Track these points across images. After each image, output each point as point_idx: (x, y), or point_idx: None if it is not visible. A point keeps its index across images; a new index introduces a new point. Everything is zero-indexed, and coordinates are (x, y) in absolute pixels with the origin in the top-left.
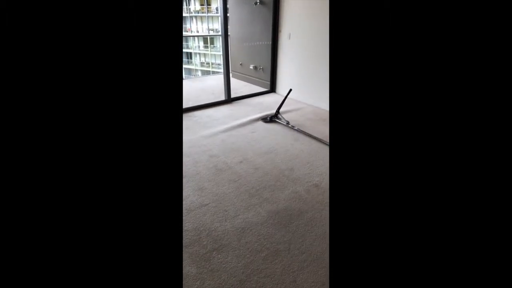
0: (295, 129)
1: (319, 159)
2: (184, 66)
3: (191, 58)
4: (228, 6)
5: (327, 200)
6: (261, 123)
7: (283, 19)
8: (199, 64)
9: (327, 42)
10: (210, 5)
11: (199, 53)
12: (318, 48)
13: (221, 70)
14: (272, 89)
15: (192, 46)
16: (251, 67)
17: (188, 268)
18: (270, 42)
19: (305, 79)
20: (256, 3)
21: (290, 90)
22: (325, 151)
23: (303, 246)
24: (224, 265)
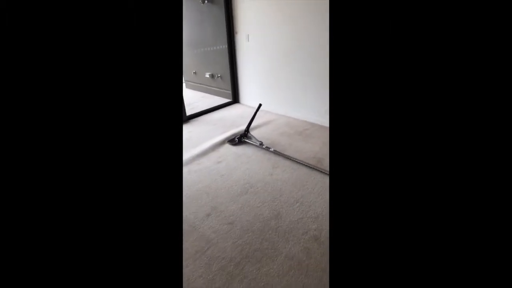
0: (271, 151)
1: (309, 192)
2: None
3: None
4: None
5: None
6: (228, 146)
7: (238, 19)
8: None
9: (293, 42)
10: None
11: None
12: (283, 50)
13: None
14: (235, 99)
15: None
16: (207, 75)
17: None
18: (226, 46)
19: (272, 86)
20: (203, 1)
21: (260, 105)
22: (313, 178)
23: None
24: None
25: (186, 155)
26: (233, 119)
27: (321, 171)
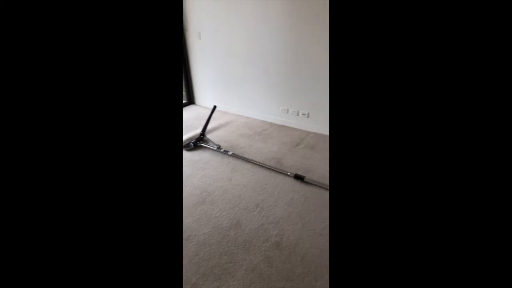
0: (229, 155)
1: (269, 195)
2: None
3: None
4: None
5: (301, 269)
6: (183, 152)
7: (187, 14)
8: None
9: (248, 40)
10: None
11: None
12: (238, 47)
13: None
14: (190, 100)
15: None
16: None
17: None
18: None
19: (229, 86)
20: None
21: (215, 107)
22: (273, 180)
23: None
24: None
25: None
26: (188, 121)
27: (281, 172)
